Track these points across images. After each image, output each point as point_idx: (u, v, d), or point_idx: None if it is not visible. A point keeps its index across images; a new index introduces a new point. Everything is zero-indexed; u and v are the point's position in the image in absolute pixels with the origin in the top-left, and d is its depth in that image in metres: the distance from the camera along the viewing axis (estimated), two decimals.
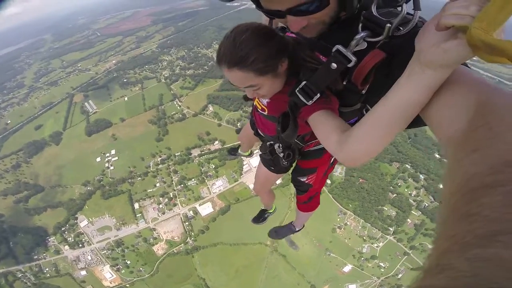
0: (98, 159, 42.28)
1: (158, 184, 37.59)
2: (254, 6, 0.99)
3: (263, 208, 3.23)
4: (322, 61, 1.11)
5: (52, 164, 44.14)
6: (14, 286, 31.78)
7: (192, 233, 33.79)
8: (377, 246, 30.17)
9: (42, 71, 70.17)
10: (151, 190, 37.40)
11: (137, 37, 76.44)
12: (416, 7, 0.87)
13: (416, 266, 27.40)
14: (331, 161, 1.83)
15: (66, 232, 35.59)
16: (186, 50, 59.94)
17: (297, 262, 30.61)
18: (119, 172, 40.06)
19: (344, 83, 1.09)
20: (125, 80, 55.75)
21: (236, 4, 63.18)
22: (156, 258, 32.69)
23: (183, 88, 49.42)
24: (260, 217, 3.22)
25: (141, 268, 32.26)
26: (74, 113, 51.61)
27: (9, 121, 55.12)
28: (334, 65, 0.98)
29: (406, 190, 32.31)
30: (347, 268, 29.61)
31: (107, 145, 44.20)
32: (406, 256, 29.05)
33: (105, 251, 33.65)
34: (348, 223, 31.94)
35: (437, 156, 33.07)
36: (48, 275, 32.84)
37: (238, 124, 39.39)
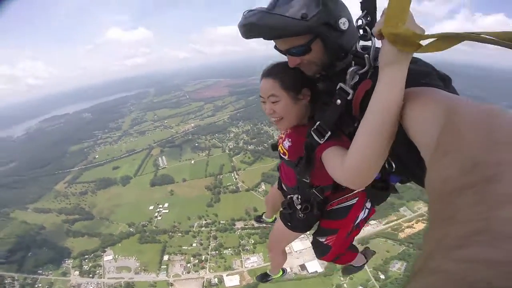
0: (151, 208, 46.06)
1: (194, 244, 38.22)
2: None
3: (268, 272, 3.05)
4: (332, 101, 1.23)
5: (111, 201, 49.66)
6: None
7: None
8: None
9: (137, 120, 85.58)
10: (186, 247, 38.03)
11: (214, 106, 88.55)
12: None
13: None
14: (356, 223, 1.73)
15: (86, 260, 37.16)
16: (251, 125, 65.60)
17: None
18: (164, 224, 42.37)
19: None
20: (196, 144, 63.31)
21: None
22: None
23: (243, 162, 53.23)
24: (263, 278, 3.10)
25: None
26: (148, 164, 59.40)
27: (97, 156, 66.60)
28: (338, 101, 1.14)
29: None
30: None
31: (163, 197, 48.30)
32: None
33: None
34: None
35: None
36: None
37: None
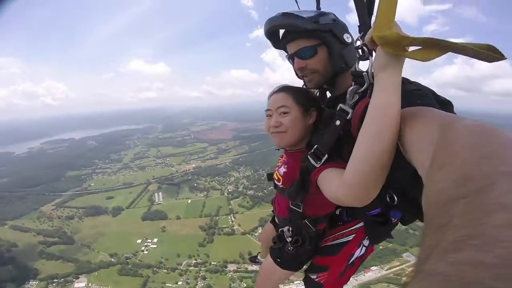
0: (139, 241, 43.56)
1: (180, 283, 35.70)
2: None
3: None
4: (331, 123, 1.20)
5: (97, 229, 47.15)
6: None
7: None
8: None
9: (140, 154, 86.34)
10: (170, 284, 35.34)
11: (218, 148, 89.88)
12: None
13: None
14: (350, 261, 1.56)
15: (54, 284, 34.37)
16: (252, 171, 65.86)
17: None
18: (150, 259, 39.79)
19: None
20: (195, 185, 63.08)
21: None
22: None
23: (241, 206, 52.40)
24: None
25: None
26: (143, 198, 58.16)
27: (92, 184, 65.36)
28: (338, 122, 1.13)
29: None
30: None
31: (153, 232, 45.96)
32: None
33: None
34: None
35: None
36: None
37: None
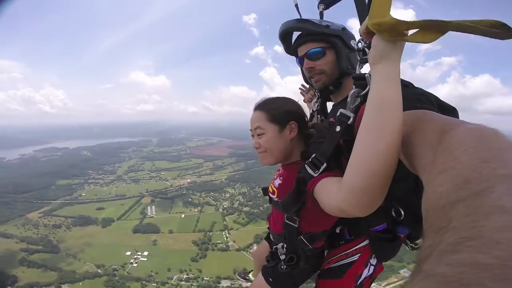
0: (128, 253, 41.94)
1: None
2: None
3: None
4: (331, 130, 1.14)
5: (84, 239, 45.35)
6: None
7: None
8: None
9: (134, 167, 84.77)
10: None
11: (214, 165, 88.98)
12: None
13: None
14: (359, 282, 1.44)
15: None
16: (248, 188, 65.34)
17: None
18: (139, 272, 38.19)
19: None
20: (189, 200, 62.06)
21: None
22: None
23: (236, 222, 51.45)
24: None
25: None
26: (135, 211, 56.73)
27: (83, 194, 63.52)
28: (338, 127, 1.07)
29: None
30: None
31: (144, 245, 44.38)
32: None
33: None
34: None
35: None
36: None
37: None
